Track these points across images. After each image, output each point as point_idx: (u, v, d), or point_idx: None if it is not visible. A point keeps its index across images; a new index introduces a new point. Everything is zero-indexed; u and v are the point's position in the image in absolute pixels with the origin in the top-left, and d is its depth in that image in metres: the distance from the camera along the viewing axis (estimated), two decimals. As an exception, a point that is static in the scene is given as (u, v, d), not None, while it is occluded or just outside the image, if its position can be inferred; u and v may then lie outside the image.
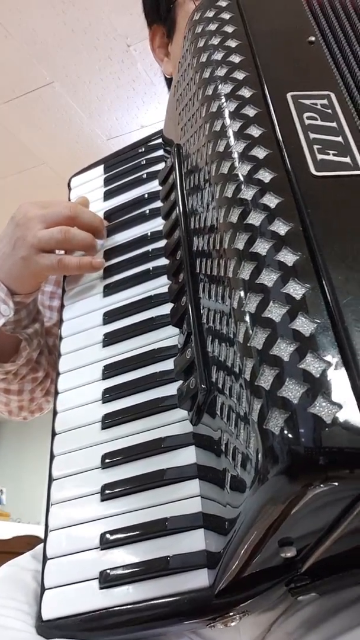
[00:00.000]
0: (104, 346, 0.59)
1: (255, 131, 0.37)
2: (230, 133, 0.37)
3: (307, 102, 0.38)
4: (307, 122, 0.37)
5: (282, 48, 0.44)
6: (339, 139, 0.36)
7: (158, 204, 0.64)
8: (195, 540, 0.43)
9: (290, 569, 0.39)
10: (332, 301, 0.28)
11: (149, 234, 0.63)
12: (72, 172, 0.80)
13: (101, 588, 0.45)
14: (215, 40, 0.45)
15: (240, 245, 0.32)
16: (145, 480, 0.48)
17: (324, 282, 0.29)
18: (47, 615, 0.46)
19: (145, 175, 0.69)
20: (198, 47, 0.46)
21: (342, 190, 0.33)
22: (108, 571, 0.45)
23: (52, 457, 0.55)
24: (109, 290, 0.63)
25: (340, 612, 0.47)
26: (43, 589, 0.47)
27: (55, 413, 0.58)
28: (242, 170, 0.35)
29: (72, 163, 2.59)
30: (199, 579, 0.42)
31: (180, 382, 0.43)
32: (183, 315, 0.45)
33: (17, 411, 0.82)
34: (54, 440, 0.56)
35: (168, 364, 0.52)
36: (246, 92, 0.40)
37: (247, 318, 0.29)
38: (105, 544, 0.46)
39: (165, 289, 0.57)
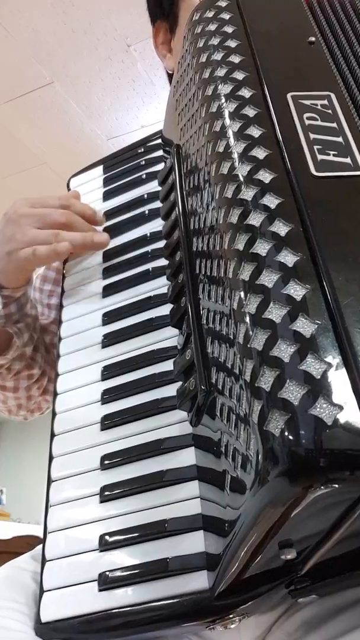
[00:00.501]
0: (103, 347, 0.59)
1: (255, 131, 0.37)
2: (230, 133, 0.37)
3: (307, 102, 0.38)
4: (307, 122, 0.37)
5: (282, 48, 0.44)
6: (339, 139, 0.36)
7: (157, 204, 0.64)
8: (194, 542, 0.43)
9: (290, 571, 0.39)
10: (333, 302, 0.28)
11: (148, 234, 0.63)
12: (71, 172, 0.80)
13: (100, 590, 0.44)
14: (215, 41, 0.45)
15: (240, 245, 0.32)
16: (144, 481, 0.48)
17: (324, 283, 0.28)
18: (45, 617, 0.46)
19: (144, 176, 0.69)
20: (198, 47, 0.46)
21: (343, 191, 0.33)
22: (107, 573, 0.45)
23: (51, 458, 0.55)
24: (108, 291, 0.63)
25: (340, 613, 0.47)
26: (42, 591, 0.47)
27: (54, 414, 0.57)
28: (242, 170, 0.35)
29: (71, 163, 2.59)
30: (199, 581, 0.42)
31: (180, 383, 0.43)
32: (183, 316, 0.45)
33: (15, 410, 0.82)
34: (53, 441, 0.56)
35: (167, 365, 0.52)
36: (246, 93, 0.40)
37: (248, 319, 0.29)
38: (105, 545, 0.46)
39: (164, 290, 0.57)
